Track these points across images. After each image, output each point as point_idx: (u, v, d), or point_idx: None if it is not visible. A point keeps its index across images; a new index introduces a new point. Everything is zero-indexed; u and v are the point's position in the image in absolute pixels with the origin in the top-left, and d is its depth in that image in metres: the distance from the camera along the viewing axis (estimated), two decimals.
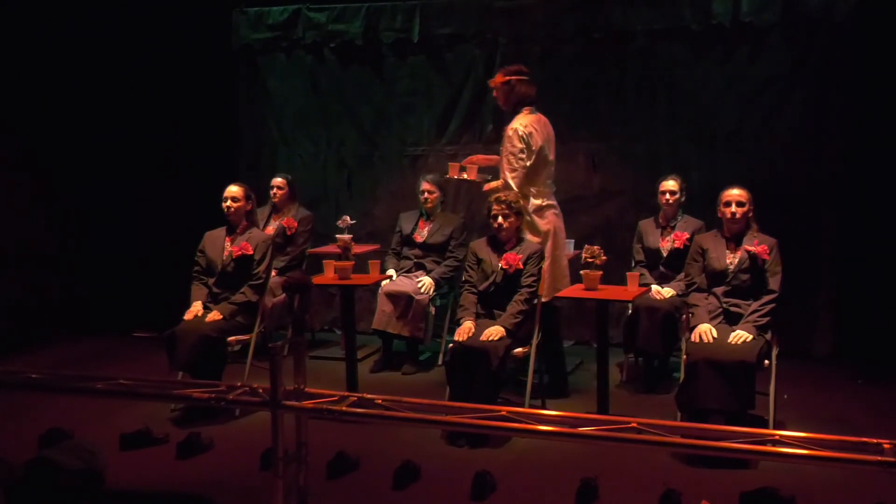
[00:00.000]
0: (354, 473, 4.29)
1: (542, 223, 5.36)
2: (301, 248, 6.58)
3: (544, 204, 5.40)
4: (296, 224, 6.54)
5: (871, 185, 6.08)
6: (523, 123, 5.26)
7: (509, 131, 5.26)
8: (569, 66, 6.74)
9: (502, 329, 4.84)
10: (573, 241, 6.13)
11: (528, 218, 5.30)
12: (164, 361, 5.13)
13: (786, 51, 6.31)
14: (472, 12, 6.89)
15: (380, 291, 6.16)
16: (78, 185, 7.35)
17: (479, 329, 4.89)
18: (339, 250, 5.56)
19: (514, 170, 5.21)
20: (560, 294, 5.21)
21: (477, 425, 3.21)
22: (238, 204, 5.45)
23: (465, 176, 5.67)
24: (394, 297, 6.04)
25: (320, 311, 7.42)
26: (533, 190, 5.35)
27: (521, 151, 5.20)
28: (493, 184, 5.40)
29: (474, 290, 5.16)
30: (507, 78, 5.37)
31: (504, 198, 5.09)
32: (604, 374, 4.94)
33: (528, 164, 5.22)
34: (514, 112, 5.36)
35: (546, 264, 5.26)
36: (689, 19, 6.41)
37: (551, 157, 5.45)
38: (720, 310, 4.78)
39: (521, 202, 5.19)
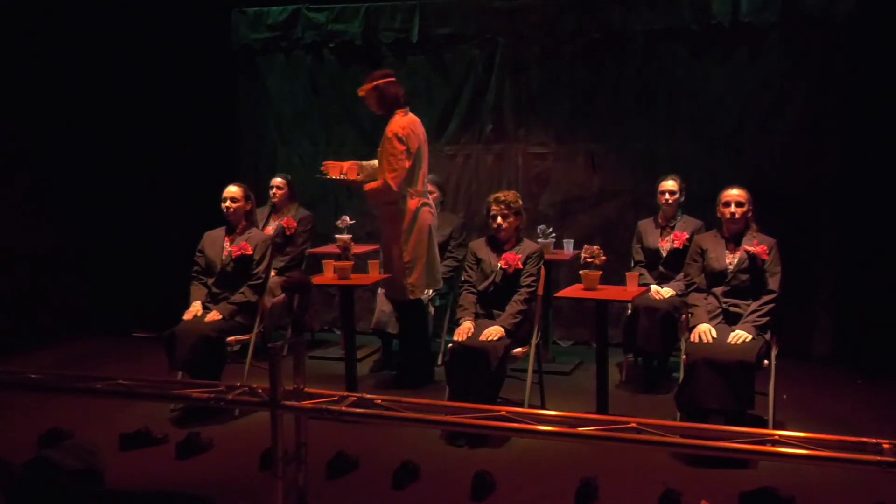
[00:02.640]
0: (354, 473, 4.29)
1: (418, 223, 5.49)
2: (300, 248, 6.58)
3: (420, 204, 5.53)
4: (295, 224, 6.54)
5: (871, 185, 6.08)
6: (401, 125, 5.39)
7: (389, 133, 5.38)
8: (568, 66, 6.75)
9: (501, 329, 4.84)
10: (572, 241, 6.15)
11: (406, 216, 5.48)
12: (163, 361, 5.13)
13: (785, 51, 6.31)
14: (471, 12, 6.89)
15: (379, 291, 6.17)
16: (77, 184, 7.35)
17: (479, 329, 4.89)
18: (338, 250, 5.57)
19: (393, 170, 5.34)
20: (560, 294, 5.21)
21: (476, 425, 3.21)
22: (237, 204, 5.45)
23: (347, 176, 5.68)
24: None
25: (320, 311, 7.42)
26: (410, 190, 5.46)
27: (402, 153, 5.32)
28: (374, 184, 5.49)
29: (473, 290, 5.16)
30: (375, 83, 5.47)
31: (503, 198, 5.10)
32: (603, 375, 4.94)
33: (406, 165, 5.34)
34: (390, 115, 5.46)
35: (423, 261, 5.49)
36: (689, 19, 6.41)
37: (426, 157, 5.59)
38: (719, 310, 4.78)
39: (401, 203, 5.42)
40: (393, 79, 5.50)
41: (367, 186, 5.50)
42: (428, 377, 5.81)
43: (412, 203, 5.51)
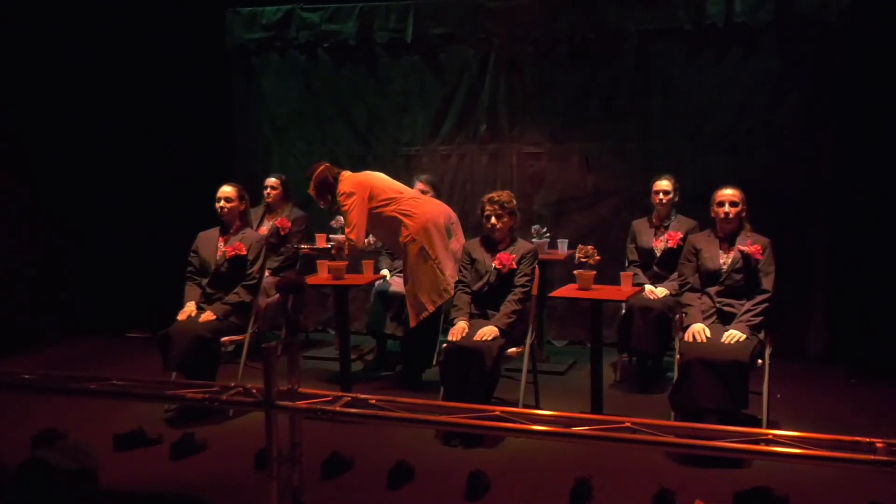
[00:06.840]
0: (349, 473, 4.28)
1: (413, 224, 5.53)
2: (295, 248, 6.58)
3: (414, 205, 5.61)
4: (289, 224, 6.54)
5: (865, 185, 6.10)
6: (344, 186, 5.59)
7: (338, 198, 5.61)
8: (562, 66, 6.76)
9: (496, 329, 4.84)
10: (567, 240, 6.15)
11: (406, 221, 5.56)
12: (157, 362, 5.12)
13: (779, 51, 6.33)
14: (465, 12, 6.90)
15: (373, 291, 6.16)
16: (72, 185, 7.34)
17: (473, 329, 4.89)
18: (329, 249, 5.58)
19: (349, 225, 5.54)
20: (554, 294, 5.21)
21: (471, 425, 3.20)
22: (231, 204, 5.44)
23: (315, 245, 6.09)
24: (387, 297, 6.03)
25: (314, 311, 7.43)
26: (393, 208, 5.57)
27: (353, 206, 5.52)
28: (337, 238, 5.76)
29: (468, 289, 5.16)
30: (312, 184, 5.66)
31: (497, 198, 5.11)
32: (598, 374, 4.95)
33: (363, 214, 5.53)
34: (336, 189, 5.62)
35: (448, 251, 5.57)
36: (683, 19, 6.43)
37: (382, 177, 5.76)
38: (713, 309, 4.79)
39: (404, 219, 5.53)
40: (318, 169, 5.66)
41: (333, 251, 5.72)
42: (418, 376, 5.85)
43: (405, 205, 5.56)
